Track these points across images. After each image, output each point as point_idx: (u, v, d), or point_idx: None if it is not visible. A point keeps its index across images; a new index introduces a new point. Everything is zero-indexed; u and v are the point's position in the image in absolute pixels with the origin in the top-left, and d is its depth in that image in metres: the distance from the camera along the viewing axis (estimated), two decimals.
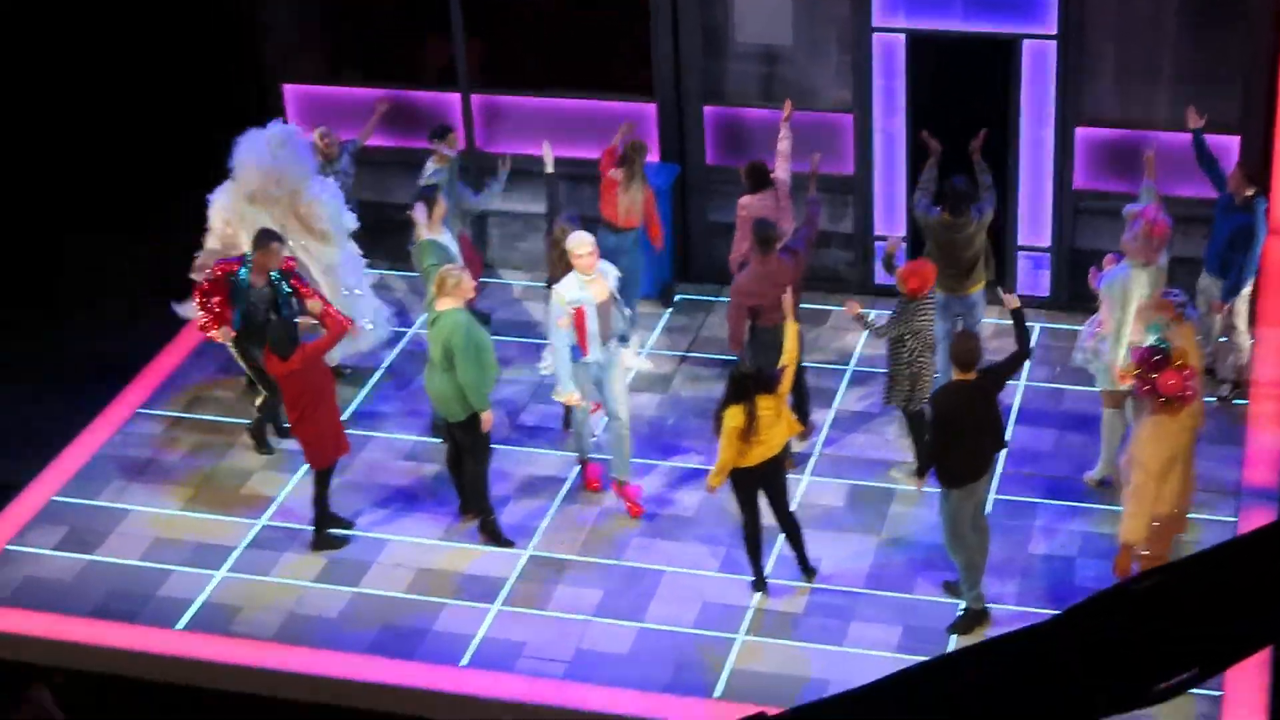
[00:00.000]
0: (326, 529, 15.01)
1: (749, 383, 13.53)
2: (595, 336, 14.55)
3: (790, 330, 14.19)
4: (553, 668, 13.67)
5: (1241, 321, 15.68)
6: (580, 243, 14.46)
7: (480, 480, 14.83)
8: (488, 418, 14.46)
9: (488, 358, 14.33)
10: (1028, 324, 13.96)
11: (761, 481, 13.86)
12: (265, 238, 15.38)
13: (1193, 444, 13.20)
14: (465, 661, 13.77)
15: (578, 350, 14.59)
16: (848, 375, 16.77)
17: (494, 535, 14.90)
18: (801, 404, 15.53)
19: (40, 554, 15.18)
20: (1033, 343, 14.89)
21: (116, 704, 14.01)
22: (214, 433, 16.55)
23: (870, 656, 13.53)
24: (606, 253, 15.14)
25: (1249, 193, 15.36)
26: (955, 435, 13.29)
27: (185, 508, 15.61)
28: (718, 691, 13.36)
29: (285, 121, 17.70)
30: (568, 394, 14.69)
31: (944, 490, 13.44)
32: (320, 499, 14.90)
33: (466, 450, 14.73)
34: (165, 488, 15.86)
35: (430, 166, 17.07)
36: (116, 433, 16.61)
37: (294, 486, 15.68)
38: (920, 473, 13.97)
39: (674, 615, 14.07)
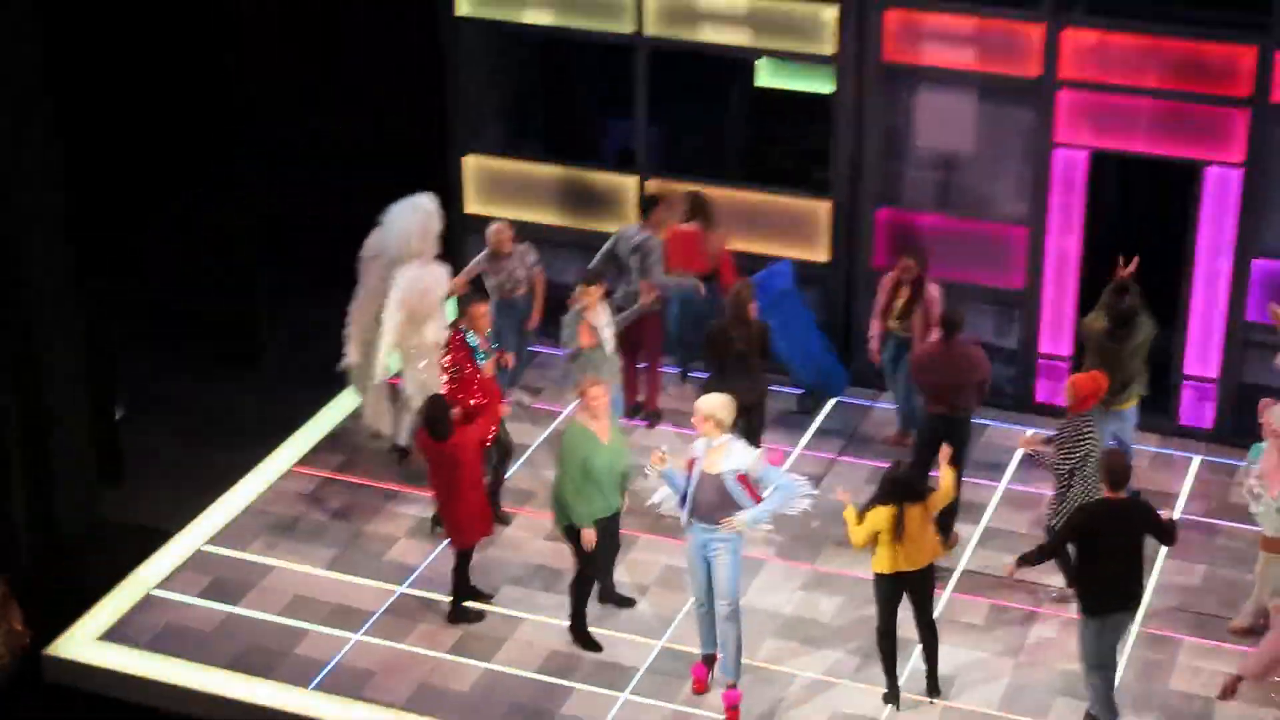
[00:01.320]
0: (464, 601, 15.05)
1: (899, 487, 13.45)
2: (690, 506, 13.56)
3: (947, 475, 13.94)
4: None
5: None
6: (703, 402, 13.53)
7: (576, 589, 14.65)
8: (587, 535, 14.26)
9: (591, 486, 14.15)
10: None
11: (905, 588, 13.72)
12: (474, 297, 15.70)
13: None
14: None
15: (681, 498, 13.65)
16: (999, 492, 16.57)
17: (582, 638, 14.80)
18: (949, 515, 15.39)
19: (183, 601, 15.34)
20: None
21: None
22: (363, 495, 16.66)
23: None
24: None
25: None
26: (1101, 556, 13.07)
27: (328, 568, 15.71)
28: None
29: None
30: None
31: (1084, 617, 13.23)
32: (461, 573, 14.95)
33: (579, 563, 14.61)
34: (310, 547, 15.98)
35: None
36: (269, 487, 16.78)
37: (436, 556, 15.71)
38: (1079, 599, 13.47)
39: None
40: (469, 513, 14.71)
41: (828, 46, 17.39)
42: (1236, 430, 16.72)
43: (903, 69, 17.29)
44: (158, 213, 19.54)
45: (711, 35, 17.87)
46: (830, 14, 17.27)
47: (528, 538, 16.06)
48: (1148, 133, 16.59)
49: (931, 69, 17.21)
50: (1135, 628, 14.54)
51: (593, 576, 14.63)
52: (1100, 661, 13.33)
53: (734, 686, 13.85)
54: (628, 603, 15.08)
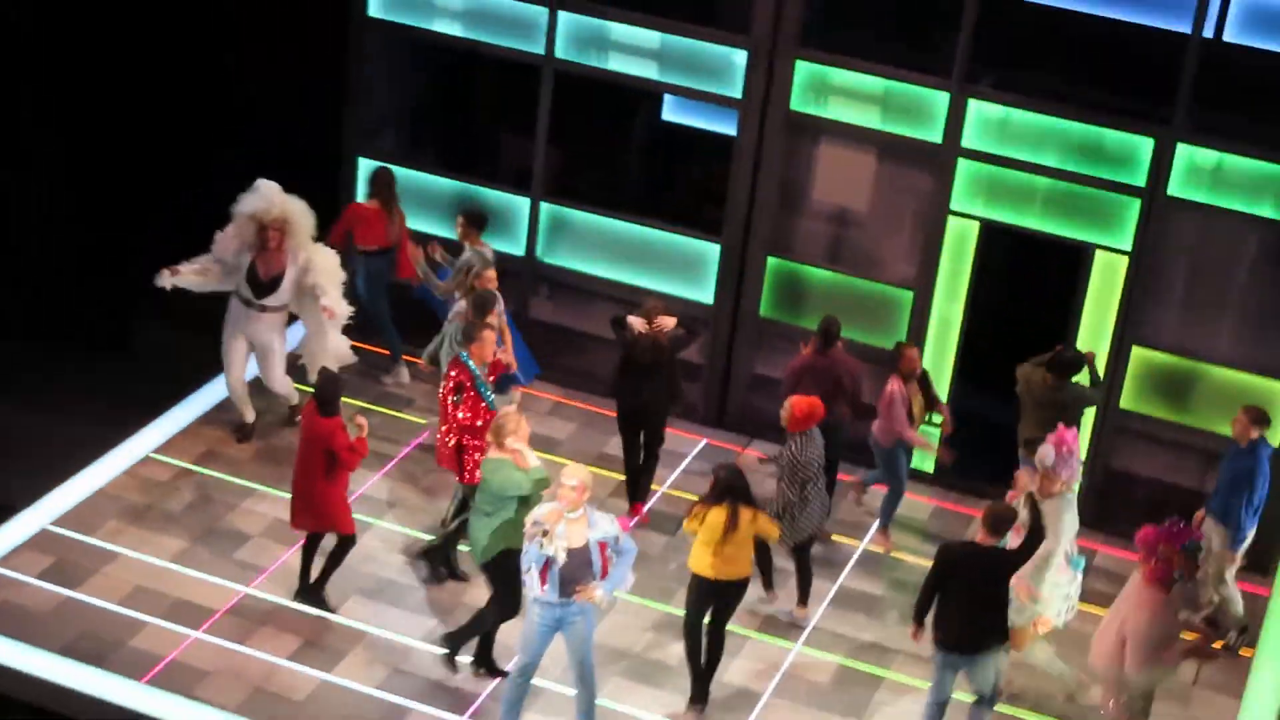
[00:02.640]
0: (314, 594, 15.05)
1: (730, 489, 13.86)
2: (556, 581, 13.16)
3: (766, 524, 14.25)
4: None
5: (1231, 573, 15.42)
6: (568, 474, 13.18)
7: (484, 621, 14.39)
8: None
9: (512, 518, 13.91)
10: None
11: (717, 595, 14.01)
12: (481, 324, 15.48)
13: None
14: None
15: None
16: (857, 554, 16.53)
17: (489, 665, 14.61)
18: (804, 577, 15.47)
19: (22, 581, 15.03)
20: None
21: None
22: (221, 490, 16.40)
23: None
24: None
25: (1254, 436, 15.20)
26: (957, 596, 13.37)
27: (175, 560, 15.44)
28: None
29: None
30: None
31: (935, 651, 13.60)
32: (336, 561, 15.04)
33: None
34: (159, 537, 15.70)
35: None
36: (124, 472, 16.49)
37: (286, 559, 15.48)
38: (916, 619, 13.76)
39: None
40: (341, 497, 14.75)
41: (735, 90, 17.32)
42: (1097, 519, 16.75)
43: (808, 120, 17.25)
44: (25, 188, 19.15)
45: (621, 66, 17.78)
46: (741, 58, 17.21)
47: (382, 549, 15.84)
48: (1042, 210, 16.64)
49: (836, 123, 17.19)
50: None
51: (506, 616, 14.22)
52: (936, 698, 13.68)
53: None
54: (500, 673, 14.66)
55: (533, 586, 13.16)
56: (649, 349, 16.10)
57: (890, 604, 15.70)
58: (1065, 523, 14.17)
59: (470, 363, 15.00)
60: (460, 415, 14.89)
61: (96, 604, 14.86)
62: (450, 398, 14.93)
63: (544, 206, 18.37)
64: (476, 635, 14.40)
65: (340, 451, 14.61)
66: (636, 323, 16.05)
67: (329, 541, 14.99)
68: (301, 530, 15.08)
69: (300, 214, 16.63)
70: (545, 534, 12.97)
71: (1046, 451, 14.21)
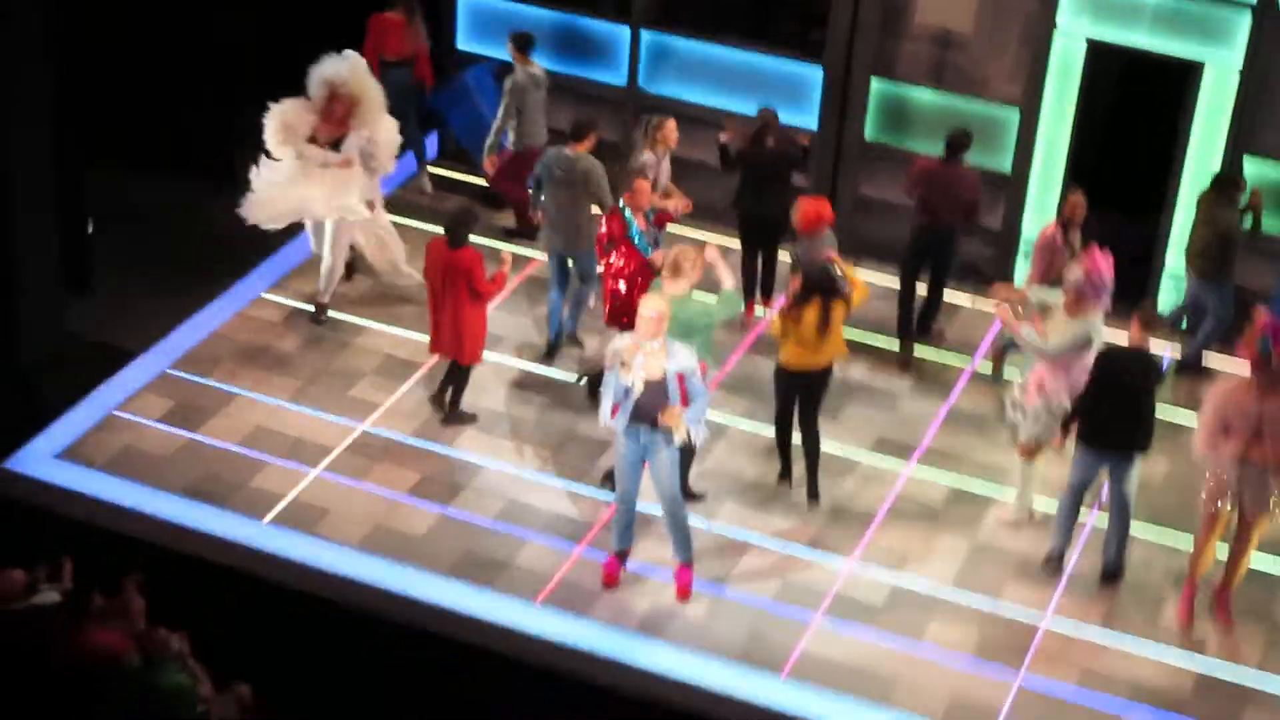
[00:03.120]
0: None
1: (819, 284, 14.14)
2: (629, 411, 13.21)
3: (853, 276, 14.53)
4: (626, 620, 13.59)
5: None
6: (646, 304, 13.15)
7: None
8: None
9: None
10: None
11: (802, 384, 14.42)
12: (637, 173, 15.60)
13: None
14: (541, 600, 13.73)
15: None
16: (967, 374, 16.52)
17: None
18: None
19: (144, 424, 15.29)
20: None
21: (190, 587, 14.05)
22: (333, 328, 16.56)
23: (943, 662, 13.36)
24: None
25: None
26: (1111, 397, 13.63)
27: (292, 400, 15.65)
28: (786, 670, 13.24)
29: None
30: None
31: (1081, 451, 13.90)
32: (460, 388, 15.44)
33: None
34: (275, 377, 15.90)
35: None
36: (236, 314, 16.69)
37: (401, 395, 15.66)
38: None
39: (755, 585, 13.97)
40: (475, 329, 14.98)
41: None
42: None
43: None
44: (135, 25, 19.17)
45: None
46: None
47: (493, 381, 15.97)
48: (1149, 27, 16.38)
49: None
50: (1094, 513, 14.61)
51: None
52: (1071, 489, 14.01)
53: (686, 565, 13.83)
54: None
55: (605, 416, 13.28)
56: (770, 160, 16.18)
57: (1001, 424, 15.66)
58: (1071, 342, 13.99)
59: (627, 212, 15.05)
60: (613, 263, 15.06)
61: (217, 445, 15.11)
62: (603, 245, 15.13)
63: (644, 34, 18.27)
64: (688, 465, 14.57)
65: (478, 284, 14.80)
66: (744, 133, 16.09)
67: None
68: (442, 356, 15.37)
69: (373, 92, 16.44)
70: (623, 364, 13.03)
71: (1076, 272, 14.13)
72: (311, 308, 16.62)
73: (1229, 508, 13.43)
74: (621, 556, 13.91)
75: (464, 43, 19.15)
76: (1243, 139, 16.42)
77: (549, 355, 16.33)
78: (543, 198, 16.03)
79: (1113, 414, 13.65)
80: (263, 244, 17.30)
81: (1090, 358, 13.89)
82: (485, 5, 18.90)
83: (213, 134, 18.65)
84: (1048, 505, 14.55)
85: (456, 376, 15.39)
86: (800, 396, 14.47)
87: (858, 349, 16.34)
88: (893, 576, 14.13)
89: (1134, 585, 14.09)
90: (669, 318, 13.06)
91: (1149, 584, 14.15)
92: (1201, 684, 13.28)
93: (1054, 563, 14.20)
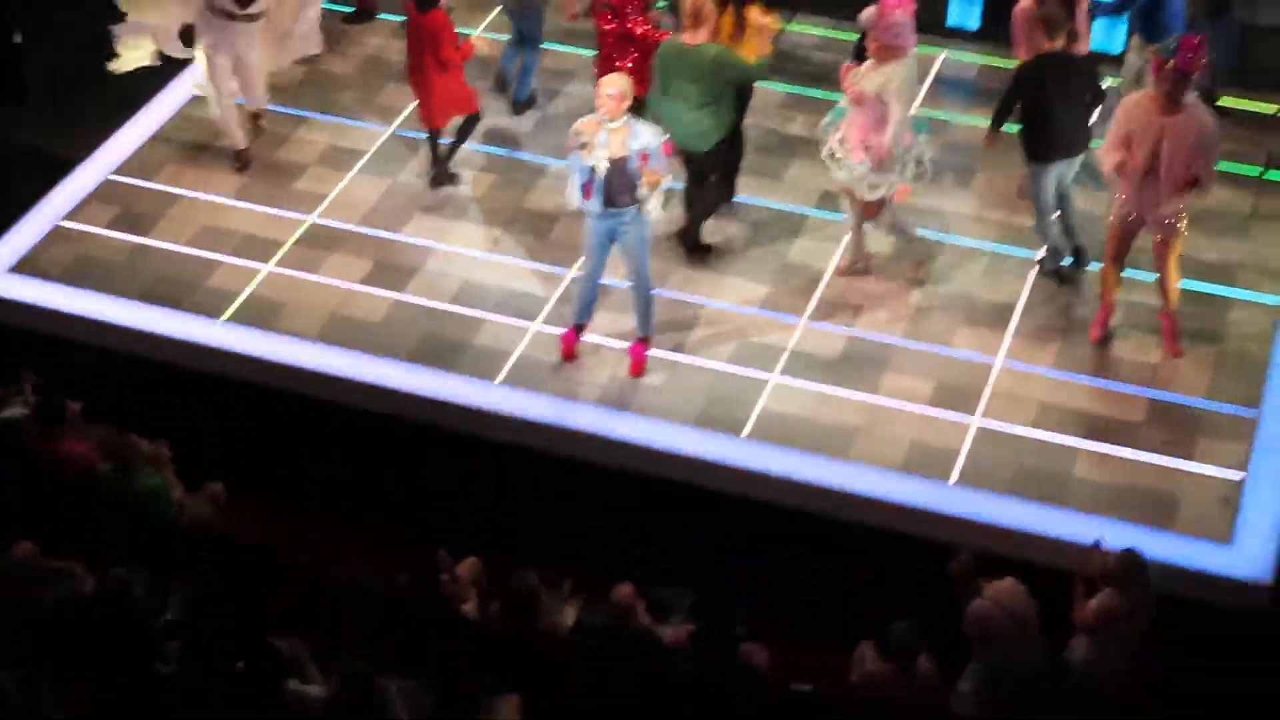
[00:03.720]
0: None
1: None
2: (600, 191, 13.26)
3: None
4: (587, 392, 13.79)
5: None
6: (606, 81, 13.18)
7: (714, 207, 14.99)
8: None
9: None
10: None
11: None
12: None
13: None
14: (500, 378, 13.92)
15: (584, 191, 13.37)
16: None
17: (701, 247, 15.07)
18: None
19: (93, 232, 15.32)
20: None
21: (154, 390, 14.21)
22: (272, 122, 16.51)
23: (901, 408, 13.62)
24: None
25: None
26: (1044, 106, 13.86)
27: (237, 197, 15.67)
28: (745, 430, 13.48)
29: None
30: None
31: (1030, 165, 14.16)
32: (433, 145, 15.68)
33: (705, 180, 14.76)
34: (219, 175, 15.90)
35: None
36: (176, 114, 16.63)
37: (347, 185, 15.69)
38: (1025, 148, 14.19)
39: (711, 350, 14.17)
40: (443, 91, 15.12)
41: None
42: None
43: None
44: None
45: None
46: None
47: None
48: None
49: None
50: (1040, 253, 14.80)
51: (724, 198, 15.05)
52: (1040, 208, 14.19)
53: (643, 341, 14.00)
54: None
55: (574, 197, 13.35)
56: None
57: (945, 166, 15.71)
58: (903, 86, 13.84)
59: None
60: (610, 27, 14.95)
61: (168, 247, 15.16)
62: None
63: None
64: (705, 219, 14.85)
65: (442, 51, 14.89)
66: None
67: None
68: (438, 124, 15.53)
69: None
70: (584, 145, 13.08)
71: (868, 12, 14.05)
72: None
73: (1131, 227, 13.62)
74: (579, 329, 14.07)
75: None
76: None
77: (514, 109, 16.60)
78: None
79: (1055, 122, 13.92)
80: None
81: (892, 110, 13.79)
82: None
83: None
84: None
85: (465, 126, 15.64)
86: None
87: (798, 101, 16.39)
88: (846, 330, 14.32)
89: (1084, 323, 14.30)
90: (623, 97, 13.06)
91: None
92: (1153, 412, 13.56)
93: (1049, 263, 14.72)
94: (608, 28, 14.96)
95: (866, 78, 13.77)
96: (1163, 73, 13.02)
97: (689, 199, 14.88)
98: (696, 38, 13.97)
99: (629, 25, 14.82)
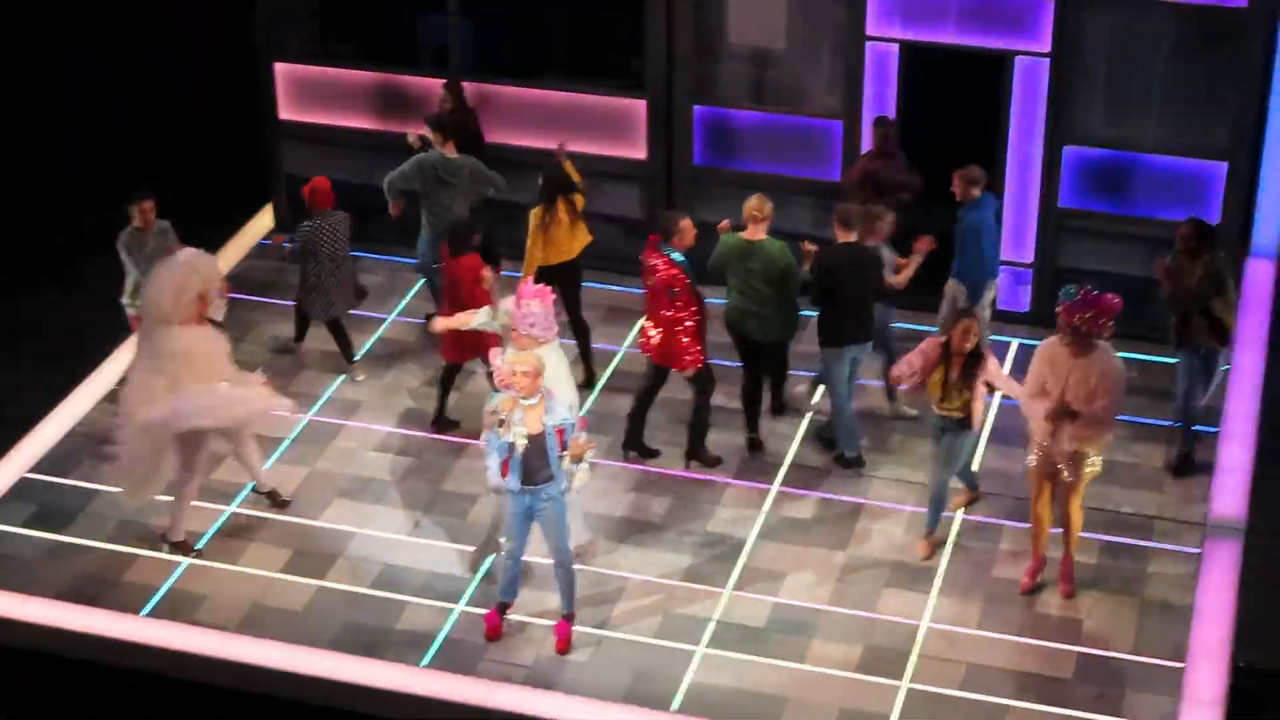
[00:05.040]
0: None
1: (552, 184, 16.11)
2: (518, 469, 13.33)
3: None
4: (514, 672, 13.68)
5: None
6: (519, 360, 13.31)
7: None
8: None
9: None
10: None
11: (555, 279, 15.28)
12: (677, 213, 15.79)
13: None
14: (425, 661, 13.79)
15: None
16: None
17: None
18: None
19: (9, 531, 15.19)
20: None
21: (77, 688, 14.00)
22: None
23: (830, 675, 13.55)
24: None
25: (974, 194, 15.78)
26: (838, 294, 15.05)
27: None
28: (676, 703, 13.37)
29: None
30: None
31: (822, 350, 15.32)
32: (443, 385, 16.30)
33: (768, 371, 15.96)
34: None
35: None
36: (90, 409, 16.60)
37: (266, 471, 15.64)
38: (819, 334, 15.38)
39: (636, 624, 14.10)
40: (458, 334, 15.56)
41: None
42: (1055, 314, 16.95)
43: None
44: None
45: None
46: None
47: (357, 448, 16.02)
48: (957, 24, 16.71)
49: None
50: (960, 515, 14.88)
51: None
52: (837, 392, 15.43)
53: (568, 618, 13.94)
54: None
55: (494, 476, 13.36)
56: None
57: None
58: (560, 368, 14.14)
59: (676, 255, 15.12)
60: (674, 312, 15.15)
61: (86, 543, 15.04)
62: (666, 296, 15.11)
63: (466, 85, 18.37)
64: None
65: (462, 294, 15.51)
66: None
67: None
68: (452, 362, 16.06)
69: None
70: (502, 423, 13.14)
71: (506, 303, 14.41)
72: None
73: (1049, 469, 13.78)
74: (503, 609, 14.00)
75: (285, 112, 19.15)
76: (1060, 128, 16.79)
77: None
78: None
79: (844, 310, 15.06)
80: (109, 337, 17.21)
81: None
82: (305, 75, 18.93)
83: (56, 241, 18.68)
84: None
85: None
86: (562, 290, 15.62)
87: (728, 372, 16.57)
88: (771, 599, 14.30)
89: (1008, 581, 14.35)
90: (539, 374, 13.16)
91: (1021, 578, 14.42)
92: (1082, 666, 13.55)
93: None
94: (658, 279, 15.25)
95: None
96: (1061, 325, 13.36)
97: (749, 398, 15.92)
98: (757, 232, 15.22)
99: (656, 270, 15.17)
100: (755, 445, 15.90)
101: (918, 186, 16.48)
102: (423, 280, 17.80)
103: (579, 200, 16.48)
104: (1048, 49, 16.55)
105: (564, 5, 19.06)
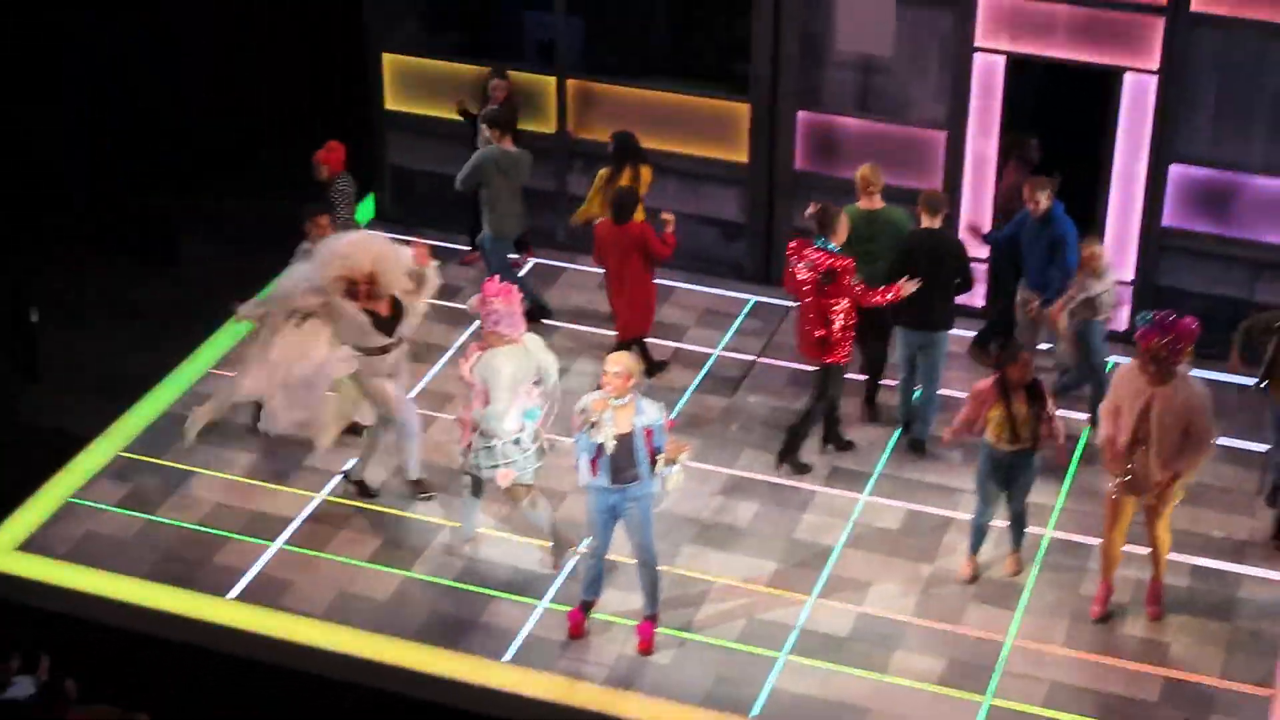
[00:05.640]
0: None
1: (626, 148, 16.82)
2: (607, 468, 13.34)
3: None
4: (595, 671, 13.71)
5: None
6: (612, 360, 13.29)
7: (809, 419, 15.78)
8: None
9: None
10: None
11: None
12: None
13: None
14: (508, 656, 13.84)
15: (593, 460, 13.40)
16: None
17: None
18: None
19: (102, 510, 15.35)
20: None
21: (163, 668, 14.13)
22: None
23: (912, 688, 13.50)
24: None
25: (1046, 204, 15.61)
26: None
27: (248, 475, 15.73)
28: (756, 709, 13.36)
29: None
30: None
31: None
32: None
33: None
34: (230, 453, 15.98)
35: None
36: (186, 392, 16.76)
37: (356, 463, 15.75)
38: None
39: (719, 628, 14.10)
40: (638, 303, 16.26)
41: None
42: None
43: None
44: (67, 117, 19.42)
45: None
46: None
47: (449, 442, 16.07)
48: (1066, 38, 16.62)
49: None
50: (1049, 532, 14.81)
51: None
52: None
53: (651, 619, 13.94)
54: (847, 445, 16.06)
55: (584, 475, 13.40)
56: None
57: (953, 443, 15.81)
58: (504, 375, 13.88)
59: (832, 247, 15.09)
60: (837, 303, 15.08)
61: (177, 524, 15.18)
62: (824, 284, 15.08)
63: (570, 83, 18.44)
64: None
65: (654, 248, 16.06)
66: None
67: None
68: (634, 336, 16.45)
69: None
70: (593, 425, 13.16)
71: (472, 301, 14.23)
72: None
73: (1128, 495, 13.59)
74: (586, 607, 14.03)
75: (392, 103, 19.28)
76: (1166, 146, 16.67)
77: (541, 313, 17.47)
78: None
79: (920, 295, 15.08)
80: (208, 322, 17.37)
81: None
82: (411, 66, 19.04)
83: (152, 219, 18.83)
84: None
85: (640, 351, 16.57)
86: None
87: (808, 377, 16.50)
88: (855, 608, 14.27)
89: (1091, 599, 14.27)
90: (630, 376, 13.17)
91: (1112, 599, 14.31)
92: (1167, 691, 13.44)
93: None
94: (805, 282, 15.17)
95: (476, 363, 13.94)
96: (1139, 352, 13.18)
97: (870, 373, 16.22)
98: (876, 202, 15.73)
99: (820, 263, 15.03)
100: (846, 445, 16.00)
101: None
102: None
103: (646, 173, 16.95)
104: (1156, 66, 16.41)
105: (671, 6, 19.15)
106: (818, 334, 15.11)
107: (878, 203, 15.71)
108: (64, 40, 19.24)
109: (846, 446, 15.95)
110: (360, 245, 14.68)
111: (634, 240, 16.06)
